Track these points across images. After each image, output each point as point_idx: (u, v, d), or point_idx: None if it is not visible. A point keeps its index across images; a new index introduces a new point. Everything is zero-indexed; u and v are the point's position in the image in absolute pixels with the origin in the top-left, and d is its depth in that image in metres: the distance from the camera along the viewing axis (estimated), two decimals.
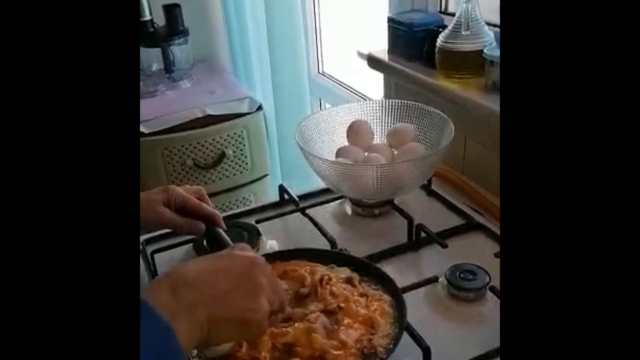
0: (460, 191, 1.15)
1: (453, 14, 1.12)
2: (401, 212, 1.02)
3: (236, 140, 1.81)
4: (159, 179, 1.73)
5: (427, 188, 1.13)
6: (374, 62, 1.32)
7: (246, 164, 1.87)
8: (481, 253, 0.92)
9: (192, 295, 0.54)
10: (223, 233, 0.83)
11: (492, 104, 1.00)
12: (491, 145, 1.10)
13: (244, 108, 1.82)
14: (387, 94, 1.40)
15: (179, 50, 1.93)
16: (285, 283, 0.80)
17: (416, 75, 1.18)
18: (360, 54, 1.40)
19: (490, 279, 0.84)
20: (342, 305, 0.74)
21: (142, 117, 1.67)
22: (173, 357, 0.51)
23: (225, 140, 1.79)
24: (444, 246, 0.92)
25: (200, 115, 1.76)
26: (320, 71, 2.10)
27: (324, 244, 0.95)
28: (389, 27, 1.27)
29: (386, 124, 1.14)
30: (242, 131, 1.82)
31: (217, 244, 0.82)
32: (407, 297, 0.79)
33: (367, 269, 0.83)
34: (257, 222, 1.02)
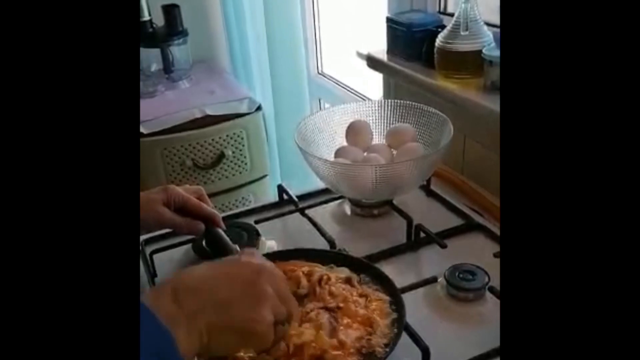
0: (459, 191, 1.15)
1: (452, 14, 1.12)
2: (400, 212, 1.02)
3: (235, 141, 1.81)
4: (159, 179, 1.73)
5: (426, 188, 1.13)
6: (373, 62, 1.32)
7: (245, 164, 1.87)
8: (480, 253, 0.92)
9: (193, 303, 0.53)
10: (223, 233, 0.83)
11: (491, 103, 1.00)
12: (490, 145, 1.10)
13: (243, 108, 1.82)
14: (386, 94, 1.40)
15: (178, 51, 1.93)
16: None
17: (415, 76, 1.18)
18: (360, 54, 1.40)
19: (489, 279, 0.84)
20: (341, 305, 0.74)
21: (141, 117, 1.67)
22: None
23: (224, 140, 1.79)
24: (443, 246, 0.92)
25: (199, 115, 1.76)
26: (320, 71, 2.10)
27: (323, 244, 0.95)
28: (388, 27, 1.27)
29: (385, 124, 1.14)
30: (241, 131, 1.82)
31: (216, 244, 0.82)
32: (407, 297, 0.79)
33: (366, 269, 0.83)
34: (257, 222, 1.02)
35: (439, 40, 1.11)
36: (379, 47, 1.31)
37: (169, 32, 1.88)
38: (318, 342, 0.68)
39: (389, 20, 1.26)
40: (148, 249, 0.96)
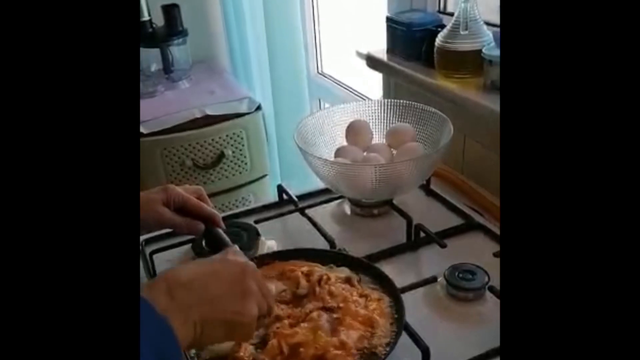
0: (459, 191, 1.15)
1: (452, 14, 1.12)
2: (400, 212, 1.02)
3: (235, 141, 1.81)
4: (158, 179, 1.73)
5: (426, 188, 1.13)
6: (372, 61, 1.32)
7: (245, 164, 1.87)
8: (480, 253, 0.92)
9: (186, 297, 0.57)
10: (222, 233, 0.83)
11: (491, 103, 1.00)
12: (490, 144, 1.10)
13: (243, 108, 1.81)
14: (386, 94, 1.40)
15: (178, 51, 1.93)
16: (283, 284, 0.80)
17: (415, 75, 1.18)
18: (359, 54, 1.40)
19: (489, 278, 0.84)
20: (341, 305, 0.75)
21: (141, 117, 1.67)
22: (173, 352, 0.52)
23: (224, 140, 1.79)
24: (443, 246, 0.92)
25: (199, 115, 1.76)
26: (319, 71, 2.10)
27: (323, 244, 0.95)
28: (388, 26, 1.27)
29: (385, 124, 1.14)
30: (241, 131, 1.82)
31: (216, 244, 0.82)
32: (406, 297, 0.79)
33: (366, 269, 0.83)
34: (256, 222, 1.02)
35: (438, 40, 1.11)
36: (379, 46, 1.31)
37: (168, 32, 1.88)
38: (319, 342, 0.68)
39: (388, 19, 1.26)
40: (148, 249, 0.96)
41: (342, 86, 1.96)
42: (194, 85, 1.94)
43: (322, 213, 1.08)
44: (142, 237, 0.99)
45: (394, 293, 0.78)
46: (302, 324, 0.71)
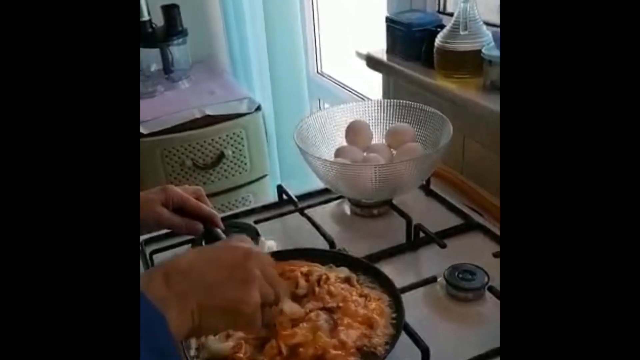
0: (459, 191, 1.15)
1: (451, 14, 1.12)
2: (400, 212, 1.02)
3: (235, 141, 1.81)
4: (158, 179, 1.73)
5: (425, 188, 1.13)
6: (372, 62, 1.32)
7: (245, 164, 1.87)
8: (480, 253, 0.92)
9: (184, 284, 0.55)
10: (221, 233, 0.83)
11: (491, 103, 1.00)
12: (490, 144, 1.10)
13: (242, 108, 1.82)
14: (386, 94, 1.40)
15: (178, 51, 1.93)
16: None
17: (415, 75, 1.18)
18: (359, 54, 1.40)
19: (489, 279, 0.84)
20: (341, 304, 0.75)
21: (141, 117, 1.67)
22: (167, 343, 0.51)
23: (224, 140, 1.79)
24: (443, 246, 0.92)
25: (199, 115, 1.76)
26: (319, 71, 2.10)
27: (322, 244, 0.95)
28: (388, 27, 1.27)
29: (385, 124, 1.14)
30: (241, 131, 1.82)
31: None
32: (406, 297, 0.79)
33: (365, 269, 0.83)
34: (256, 222, 1.02)
35: (438, 40, 1.11)
36: (379, 46, 1.31)
37: (168, 32, 1.88)
38: (318, 342, 0.68)
39: (388, 19, 1.26)
40: (148, 249, 0.96)
41: (341, 86, 1.96)
42: (193, 85, 1.94)
43: (322, 213, 1.08)
44: (142, 237, 0.99)
45: (393, 293, 0.78)
46: (301, 324, 0.71)
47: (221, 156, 1.80)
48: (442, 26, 1.14)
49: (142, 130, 1.67)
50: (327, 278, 0.79)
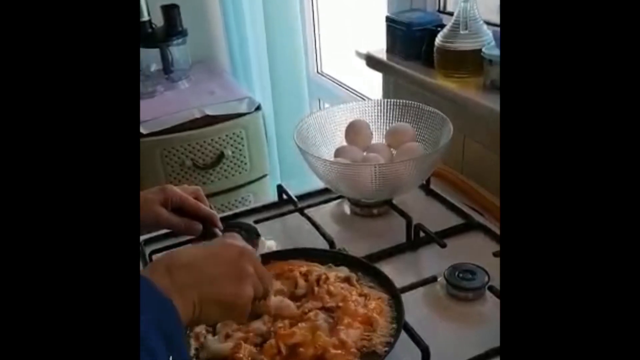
0: (459, 191, 1.15)
1: (451, 13, 1.12)
2: (400, 212, 1.02)
3: (235, 141, 1.81)
4: (158, 179, 1.72)
5: (425, 188, 1.13)
6: (372, 61, 1.32)
7: (245, 164, 1.87)
8: (480, 253, 0.91)
9: (185, 277, 0.58)
10: (220, 233, 0.83)
11: (491, 103, 1.00)
12: (490, 144, 1.10)
13: (242, 108, 1.81)
14: (386, 94, 1.40)
15: (178, 51, 1.93)
16: (281, 283, 0.80)
17: (415, 75, 1.18)
18: (359, 54, 1.40)
19: (489, 278, 0.84)
20: (341, 304, 0.74)
21: (140, 117, 1.67)
22: (176, 330, 0.53)
23: (224, 140, 1.79)
24: (443, 246, 0.92)
25: (198, 115, 1.76)
26: (319, 71, 2.10)
27: (322, 244, 0.95)
28: (388, 26, 1.27)
29: (385, 124, 1.14)
30: (240, 131, 1.82)
31: None
32: (406, 297, 0.79)
33: (365, 268, 0.83)
34: (256, 222, 1.02)
35: (438, 40, 1.11)
36: (379, 46, 1.31)
37: (168, 32, 1.88)
38: (318, 342, 0.68)
39: (388, 19, 1.26)
40: (148, 249, 0.96)
41: (341, 86, 1.96)
42: (193, 85, 1.94)
43: (322, 213, 1.08)
44: (142, 237, 0.99)
45: (393, 292, 0.78)
46: (300, 324, 0.71)
47: (221, 156, 1.80)
48: (442, 25, 1.14)
49: (142, 130, 1.67)
50: (327, 278, 0.79)
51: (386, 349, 0.69)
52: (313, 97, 2.09)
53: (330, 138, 1.13)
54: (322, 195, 1.13)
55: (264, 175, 1.94)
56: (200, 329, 0.74)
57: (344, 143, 1.12)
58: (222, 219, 0.86)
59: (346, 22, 2.05)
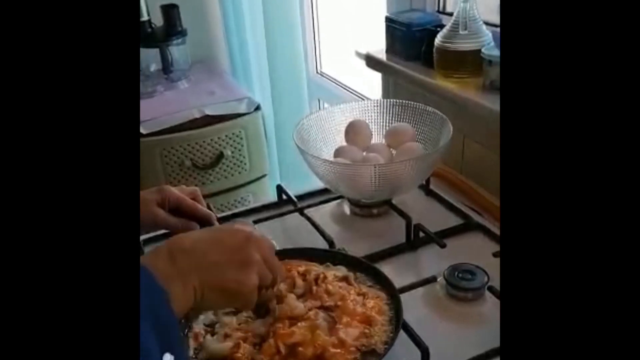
0: (458, 191, 1.15)
1: (451, 14, 1.12)
2: (399, 212, 1.02)
3: (234, 141, 1.81)
4: (158, 179, 1.73)
5: (425, 188, 1.13)
6: (372, 61, 1.32)
7: (244, 164, 1.87)
8: (480, 253, 0.91)
9: (187, 262, 0.58)
10: None
11: (491, 103, 1.00)
12: (490, 144, 1.10)
13: (242, 108, 1.81)
14: (386, 94, 1.40)
15: (177, 51, 1.93)
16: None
17: (414, 75, 1.18)
18: (359, 54, 1.40)
19: (488, 278, 0.84)
20: (339, 303, 0.75)
21: (140, 117, 1.67)
22: (167, 317, 0.53)
23: (223, 140, 1.79)
24: (443, 246, 0.92)
25: (198, 115, 1.76)
26: (319, 71, 2.10)
27: (322, 244, 0.95)
28: (387, 26, 1.27)
29: (384, 124, 1.14)
30: (240, 131, 1.82)
31: None
32: (406, 297, 0.79)
33: (363, 268, 0.83)
34: (256, 222, 1.02)
35: (438, 40, 1.11)
36: (378, 46, 1.31)
37: (167, 32, 1.88)
38: (317, 341, 0.68)
39: (388, 19, 1.26)
40: (148, 249, 0.95)
41: (341, 86, 1.96)
42: (193, 85, 1.94)
43: (322, 213, 1.08)
44: (142, 237, 0.99)
45: (391, 291, 0.78)
46: (299, 323, 0.71)
47: (220, 156, 1.80)
48: (442, 26, 1.14)
49: (142, 130, 1.67)
50: (325, 277, 0.79)
51: (385, 347, 0.69)
52: (313, 97, 2.09)
53: (330, 138, 1.13)
54: (322, 195, 1.13)
55: (264, 176, 1.94)
56: (199, 328, 0.74)
57: (344, 143, 1.12)
58: (221, 219, 0.86)
59: (346, 23, 2.05)
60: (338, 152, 1.09)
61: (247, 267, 0.61)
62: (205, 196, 0.87)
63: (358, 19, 1.95)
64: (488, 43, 1.07)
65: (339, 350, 0.68)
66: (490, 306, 0.82)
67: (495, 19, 1.15)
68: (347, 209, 1.10)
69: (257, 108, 1.85)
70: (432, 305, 0.84)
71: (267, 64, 2.02)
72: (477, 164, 1.14)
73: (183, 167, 1.77)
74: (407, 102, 1.12)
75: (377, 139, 1.14)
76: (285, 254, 0.86)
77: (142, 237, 0.99)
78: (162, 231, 0.96)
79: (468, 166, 1.17)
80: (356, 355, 0.68)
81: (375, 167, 0.97)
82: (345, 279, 0.80)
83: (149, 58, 1.93)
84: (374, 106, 1.15)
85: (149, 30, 1.87)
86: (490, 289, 0.83)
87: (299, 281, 0.79)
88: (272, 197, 1.15)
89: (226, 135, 1.79)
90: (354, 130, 1.11)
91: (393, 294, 0.77)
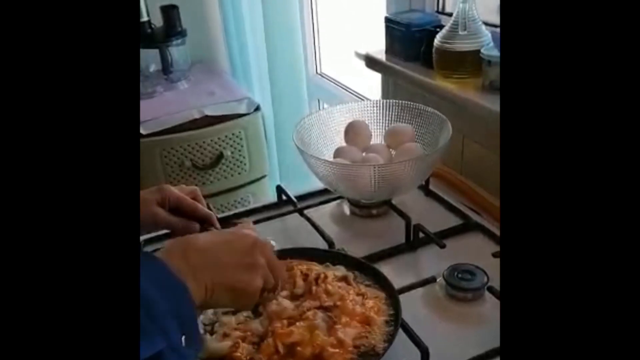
0: (458, 191, 1.15)
1: (450, 14, 1.12)
2: (399, 212, 1.02)
3: (234, 141, 1.81)
4: (158, 179, 1.72)
5: (425, 188, 1.13)
6: (371, 62, 1.32)
7: (244, 164, 1.87)
8: (479, 253, 0.91)
9: (199, 260, 0.60)
10: None
11: (490, 103, 1.00)
12: (489, 145, 1.10)
13: (242, 109, 1.82)
14: (385, 94, 1.40)
15: (177, 51, 1.93)
16: None
17: (414, 76, 1.18)
18: (358, 54, 1.40)
19: (488, 279, 0.84)
20: (338, 303, 0.75)
21: (140, 118, 1.67)
22: (187, 310, 0.55)
23: (223, 141, 1.79)
24: (442, 246, 0.92)
25: (198, 116, 1.76)
26: (318, 72, 2.10)
27: (322, 245, 0.95)
28: (387, 27, 1.27)
29: (384, 124, 1.14)
30: (240, 132, 1.82)
31: None
32: (405, 297, 0.79)
33: (362, 268, 0.83)
34: (256, 222, 1.02)
35: (437, 40, 1.11)
36: (378, 47, 1.31)
37: (167, 33, 1.88)
38: (316, 341, 0.69)
39: (387, 20, 1.26)
40: (148, 249, 0.95)
41: (341, 87, 1.96)
42: (192, 85, 1.94)
43: (321, 213, 1.08)
44: (142, 237, 0.99)
45: (390, 291, 0.78)
46: (298, 323, 0.72)
47: (220, 156, 1.80)
48: (441, 26, 1.14)
49: (142, 130, 1.67)
50: (325, 277, 0.79)
51: (384, 346, 0.69)
52: (312, 98, 2.09)
53: (329, 138, 1.13)
54: (322, 195, 1.13)
55: (263, 176, 1.94)
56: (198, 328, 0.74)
57: (344, 143, 1.12)
58: (221, 219, 0.86)
59: (345, 23, 2.05)
60: (338, 153, 1.09)
61: (253, 270, 0.64)
62: (205, 197, 0.87)
63: (357, 20, 1.95)
64: (487, 43, 1.07)
65: (337, 350, 0.68)
66: (490, 306, 0.83)
67: (495, 19, 1.15)
68: (346, 209, 1.10)
69: (257, 108, 1.85)
70: (432, 306, 0.84)
71: (266, 65, 2.02)
72: (476, 164, 1.14)
73: (183, 168, 1.77)
74: (406, 102, 1.12)
75: (376, 139, 1.14)
76: (285, 254, 0.86)
77: (144, 237, 0.99)
78: (162, 231, 0.96)
79: (467, 166, 1.18)
80: (355, 355, 0.68)
81: (374, 168, 0.97)
82: (344, 279, 0.80)
83: (149, 58, 1.93)
84: (374, 107, 1.15)
85: (149, 30, 1.87)
86: (490, 289, 0.83)
87: (300, 281, 0.79)
88: (272, 197, 1.15)
89: (226, 136, 1.79)
90: (353, 131, 1.11)
91: (392, 294, 0.77)
